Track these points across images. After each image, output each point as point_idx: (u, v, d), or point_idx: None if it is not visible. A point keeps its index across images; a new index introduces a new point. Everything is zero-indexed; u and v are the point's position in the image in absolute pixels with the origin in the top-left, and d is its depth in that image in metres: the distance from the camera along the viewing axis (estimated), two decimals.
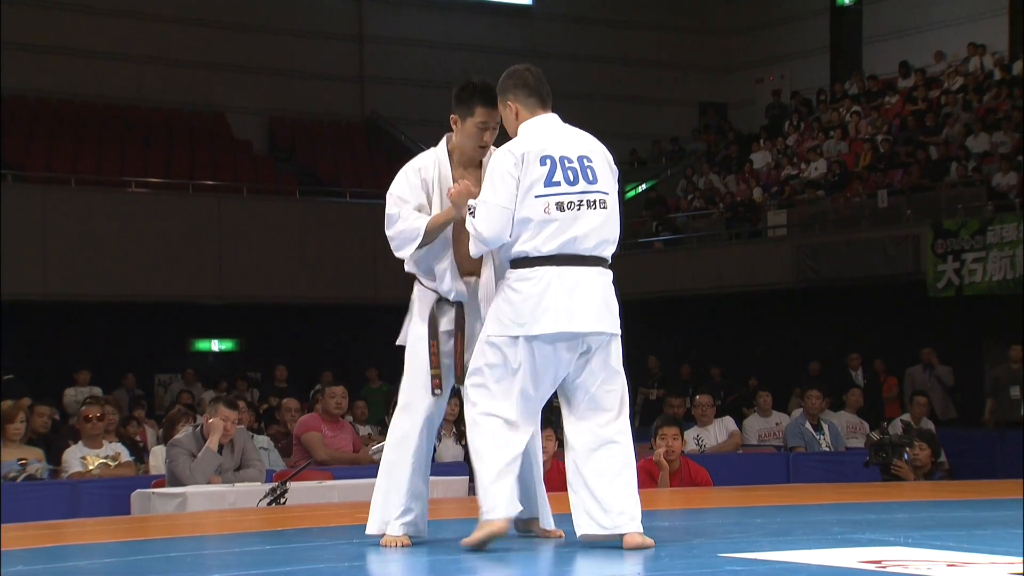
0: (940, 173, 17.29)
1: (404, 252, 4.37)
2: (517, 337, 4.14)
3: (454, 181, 4.37)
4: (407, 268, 4.47)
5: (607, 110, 23.41)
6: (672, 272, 18.95)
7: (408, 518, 4.39)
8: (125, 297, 17.52)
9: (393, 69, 22.41)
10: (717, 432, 10.14)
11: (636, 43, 24.17)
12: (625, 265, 19.65)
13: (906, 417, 10.92)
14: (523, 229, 4.14)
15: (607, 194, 4.25)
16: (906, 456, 7.75)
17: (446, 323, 4.36)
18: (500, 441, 4.16)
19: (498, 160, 4.22)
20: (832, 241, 17.25)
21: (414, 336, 4.40)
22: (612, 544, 4.19)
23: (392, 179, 4.51)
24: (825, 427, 10.23)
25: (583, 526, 4.21)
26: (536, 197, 4.14)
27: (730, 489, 7.50)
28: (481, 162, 4.42)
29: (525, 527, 4.48)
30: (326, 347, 18.55)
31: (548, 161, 4.17)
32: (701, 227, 19.98)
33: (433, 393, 4.35)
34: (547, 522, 4.51)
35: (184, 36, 20.98)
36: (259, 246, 18.11)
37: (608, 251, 4.26)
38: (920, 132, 18.58)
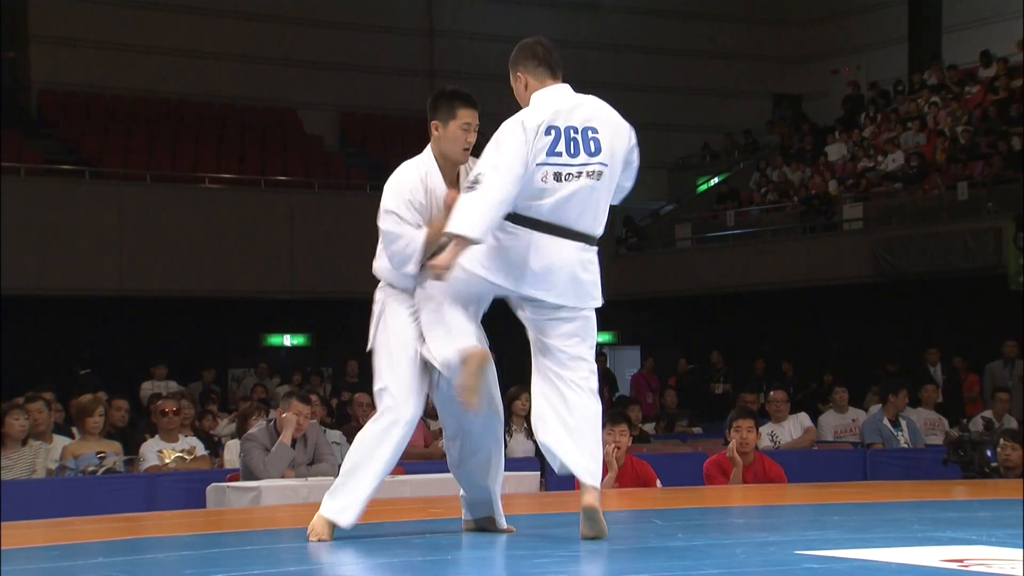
0: (1022, 164, 16.94)
1: (406, 269, 4.41)
2: (477, 276, 4.24)
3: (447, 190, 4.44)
4: (384, 275, 4.52)
5: (679, 103, 23.27)
6: (745, 266, 18.81)
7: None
8: (198, 292, 17.67)
9: (463, 63, 22.34)
10: (792, 428, 10.04)
11: (708, 35, 23.96)
12: (697, 259, 19.88)
13: (987, 414, 10.69)
14: (523, 191, 4.21)
15: (606, 166, 4.28)
16: (989, 454, 7.58)
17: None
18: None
19: (512, 125, 4.26)
20: (910, 235, 17.06)
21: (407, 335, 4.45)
22: (678, 541, 4.22)
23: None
24: (903, 424, 10.11)
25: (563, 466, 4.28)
26: (537, 165, 4.21)
27: (805, 486, 7.40)
28: (458, 173, 4.49)
29: (481, 525, 4.61)
30: None
31: (553, 131, 4.23)
32: (775, 221, 19.82)
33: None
34: (501, 522, 4.61)
35: (256, 33, 21.13)
36: (330, 241, 18.14)
37: (595, 226, 4.30)
38: (1002, 122, 18.26)
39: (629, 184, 4.47)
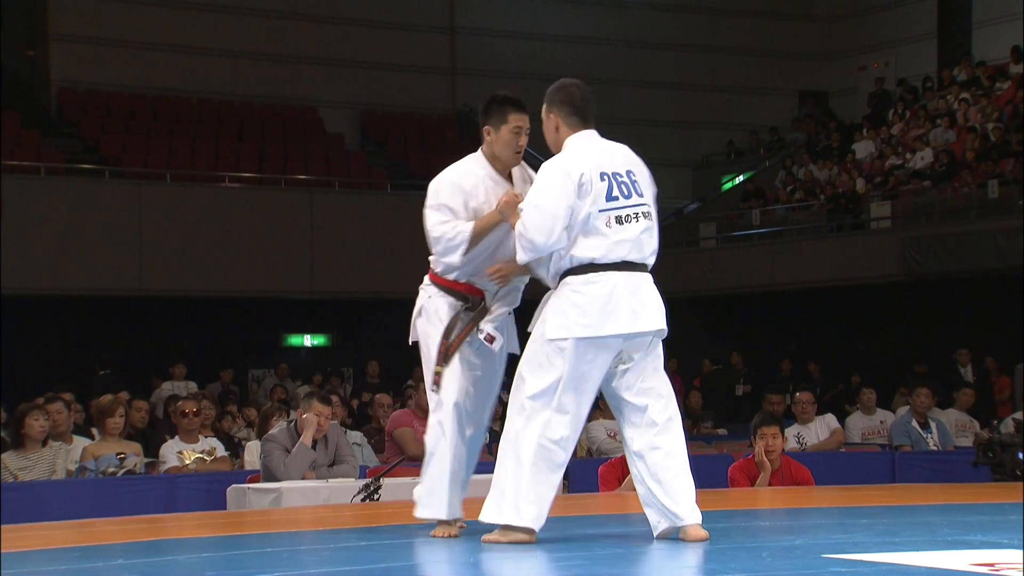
0: None
1: (451, 258, 4.62)
2: (580, 339, 4.33)
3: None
4: (447, 273, 4.68)
5: (704, 100, 23.12)
6: (771, 266, 18.70)
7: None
8: (218, 292, 17.64)
9: (485, 61, 22.23)
10: (819, 430, 9.91)
11: (734, 31, 23.80)
12: (722, 259, 19.71)
13: (1018, 415, 10.52)
14: (586, 239, 4.39)
15: (651, 206, 4.53)
16: (1020, 456, 7.49)
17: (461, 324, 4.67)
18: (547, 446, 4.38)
19: (554, 171, 4.43)
20: (939, 233, 16.94)
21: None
22: (703, 544, 4.24)
23: None
24: (933, 425, 9.95)
25: (660, 522, 4.40)
26: (600, 211, 4.40)
27: (833, 488, 7.35)
28: (511, 173, 4.71)
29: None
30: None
31: (606, 177, 4.43)
32: (801, 219, 19.70)
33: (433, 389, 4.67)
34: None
35: (276, 30, 21.09)
36: (351, 240, 18.14)
37: (653, 259, 4.55)
38: None
39: None
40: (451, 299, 4.67)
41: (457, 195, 4.61)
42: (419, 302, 4.75)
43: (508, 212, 4.51)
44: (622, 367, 4.43)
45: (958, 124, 19.09)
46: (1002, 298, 16.36)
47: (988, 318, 16.52)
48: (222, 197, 17.99)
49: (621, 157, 4.52)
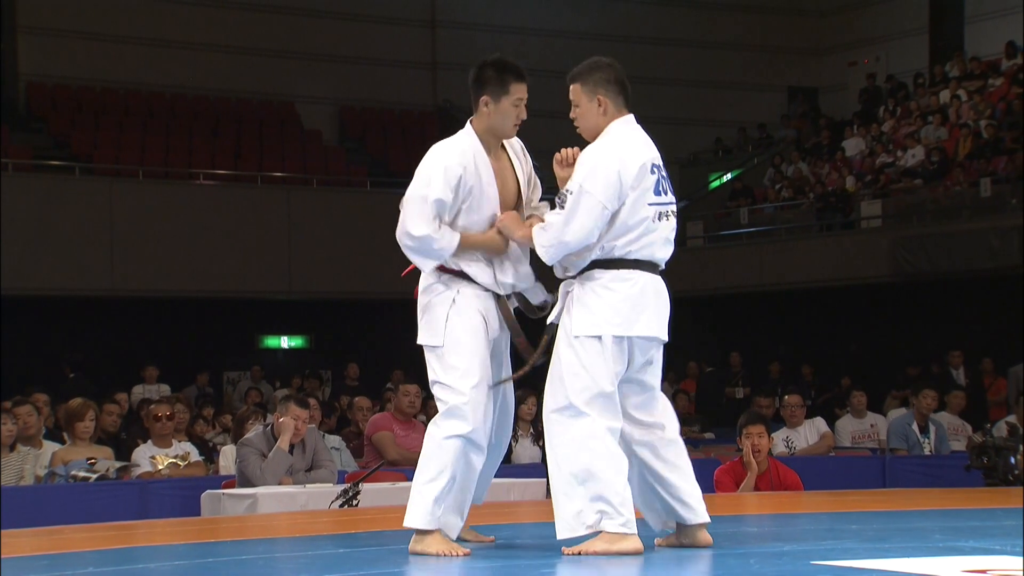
0: None
1: (423, 261, 4.30)
2: (613, 336, 4.17)
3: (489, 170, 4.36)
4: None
5: (691, 96, 23.07)
6: (760, 265, 18.65)
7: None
8: (192, 292, 17.57)
9: (467, 55, 21.76)
10: (807, 433, 9.90)
11: (722, 25, 23.77)
12: (710, 258, 19.46)
13: (1011, 419, 10.52)
14: (627, 232, 4.20)
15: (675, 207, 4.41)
16: (1012, 460, 7.47)
17: (494, 319, 4.36)
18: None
19: (612, 158, 4.18)
20: (931, 233, 16.84)
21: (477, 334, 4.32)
22: (690, 550, 4.18)
23: None
24: (932, 429, 9.93)
25: (660, 524, 4.31)
26: (649, 205, 4.23)
27: (822, 493, 7.41)
28: (503, 145, 4.39)
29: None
30: (398, 344, 18.07)
31: (656, 170, 4.27)
32: (790, 218, 19.60)
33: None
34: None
35: (253, 23, 20.97)
36: (329, 239, 18.04)
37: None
38: None
39: None
40: (478, 289, 4.31)
41: (451, 187, 4.23)
42: (441, 297, 4.31)
43: (513, 228, 4.28)
44: (631, 369, 4.28)
45: (950, 121, 19.04)
46: (996, 299, 16.25)
47: (981, 319, 16.44)
48: (196, 195, 17.89)
49: (655, 150, 4.36)
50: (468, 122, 4.37)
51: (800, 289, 17.98)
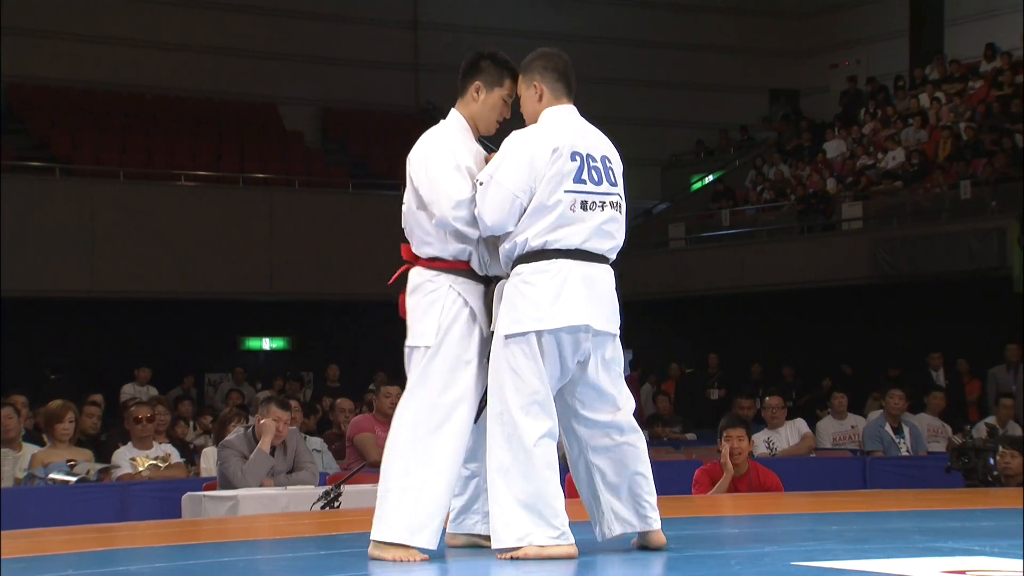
0: None
1: (491, 215, 4.09)
2: (536, 332, 4.05)
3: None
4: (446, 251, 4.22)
5: (672, 98, 23.09)
6: (741, 267, 18.65)
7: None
8: (173, 294, 17.55)
9: (449, 57, 21.71)
10: (788, 435, 9.84)
11: (703, 27, 23.82)
12: (692, 259, 19.48)
13: (991, 420, 10.43)
14: (542, 221, 4.08)
15: (622, 199, 4.24)
16: (992, 461, 7.49)
17: (483, 317, 4.26)
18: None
19: (523, 145, 4.10)
20: (911, 235, 16.86)
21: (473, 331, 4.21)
22: (670, 552, 4.16)
23: None
24: (906, 430, 9.91)
25: (615, 527, 4.20)
26: (565, 192, 4.09)
27: (802, 495, 7.40)
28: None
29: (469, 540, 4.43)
30: (380, 345, 18.04)
31: (578, 157, 4.12)
32: (771, 220, 19.63)
33: None
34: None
35: (234, 24, 20.94)
36: (311, 241, 18.01)
37: (615, 254, 4.26)
38: (1006, 119, 18.00)
39: None
40: (468, 283, 4.18)
41: (458, 155, 4.14)
42: (447, 299, 4.17)
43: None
44: (579, 364, 4.12)
45: (930, 123, 19.09)
46: (975, 301, 16.28)
47: (961, 321, 16.42)
48: (177, 196, 17.84)
49: (599, 141, 4.21)
50: (453, 110, 4.28)
51: (781, 291, 17.99)
